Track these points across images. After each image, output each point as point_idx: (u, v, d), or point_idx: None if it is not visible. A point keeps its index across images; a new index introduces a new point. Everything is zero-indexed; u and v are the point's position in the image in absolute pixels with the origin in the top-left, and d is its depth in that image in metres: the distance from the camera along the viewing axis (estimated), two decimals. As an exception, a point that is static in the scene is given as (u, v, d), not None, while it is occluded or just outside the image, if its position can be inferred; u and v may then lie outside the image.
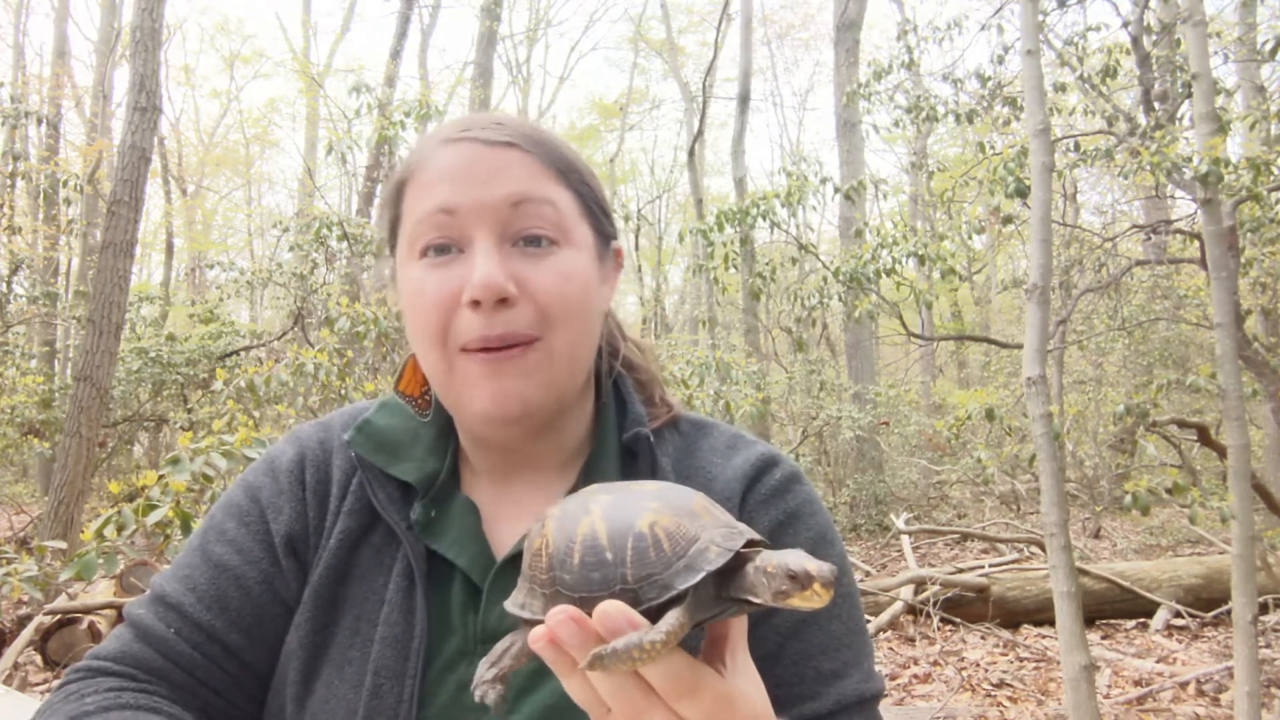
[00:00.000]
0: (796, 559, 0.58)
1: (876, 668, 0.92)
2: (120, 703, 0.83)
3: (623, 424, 0.97)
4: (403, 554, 0.90)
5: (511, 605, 0.67)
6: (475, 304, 0.83)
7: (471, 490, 0.96)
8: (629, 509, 0.63)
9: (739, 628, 0.65)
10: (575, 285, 0.87)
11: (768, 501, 0.94)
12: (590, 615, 0.57)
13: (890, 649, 5.49)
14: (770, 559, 0.59)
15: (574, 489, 0.92)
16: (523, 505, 0.94)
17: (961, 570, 6.24)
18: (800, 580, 0.57)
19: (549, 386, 0.87)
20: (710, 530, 0.62)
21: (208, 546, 0.93)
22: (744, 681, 0.62)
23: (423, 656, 0.85)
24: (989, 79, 5.82)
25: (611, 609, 0.57)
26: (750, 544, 0.63)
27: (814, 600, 0.57)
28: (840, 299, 6.04)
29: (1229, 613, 4.32)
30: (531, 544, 0.67)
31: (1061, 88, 5.91)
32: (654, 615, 0.59)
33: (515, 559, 0.87)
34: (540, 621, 0.61)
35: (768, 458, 0.97)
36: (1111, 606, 5.86)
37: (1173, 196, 6.91)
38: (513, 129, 0.89)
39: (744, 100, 12.79)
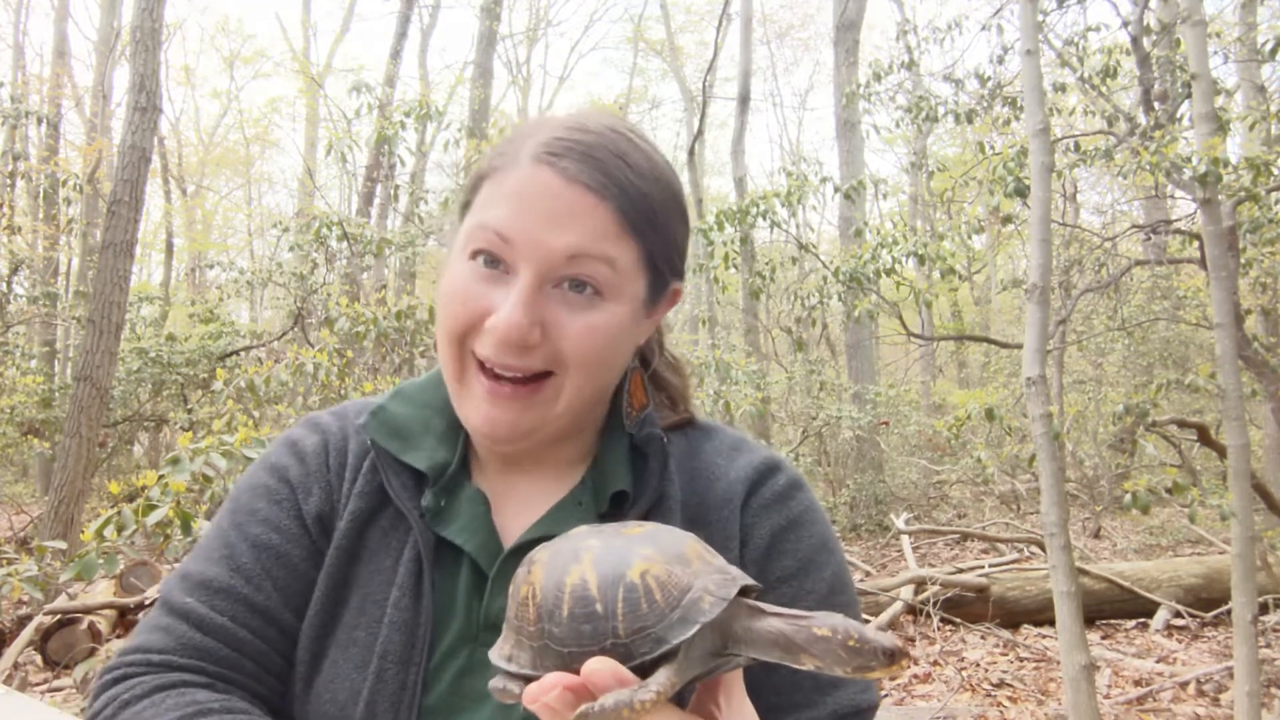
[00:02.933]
0: (876, 634, 0.56)
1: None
2: (235, 705, 0.83)
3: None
4: (412, 539, 0.90)
5: (498, 658, 0.65)
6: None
7: (481, 481, 0.97)
8: (620, 556, 0.60)
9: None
10: (604, 341, 0.86)
11: (770, 507, 0.94)
12: (580, 671, 0.56)
13: (890, 649, 5.49)
14: (847, 631, 0.56)
15: (582, 484, 0.94)
16: (531, 496, 0.95)
17: (961, 570, 6.24)
18: (895, 656, 0.55)
19: (545, 419, 0.88)
20: (703, 577, 0.60)
21: (244, 528, 0.92)
22: None
23: (429, 643, 0.86)
24: (989, 79, 5.82)
25: (601, 669, 0.56)
26: (745, 590, 0.61)
27: (895, 672, 0.56)
28: (840, 299, 6.03)
29: (1229, 613, 4.32)
30: (518, 591, 0.64)
31: (1061, 88, 5.91)
32: (648, 669, 0.57)
33: (522, 548, 0.88)
34: (528, 676, 0.60)
35: (771, 463, 0.98)
36: (1111, 606, 5.86)
37: (1172, 196, 6.92)
38: (603, 167, 0.85)
39: (744, 100, 12.79)
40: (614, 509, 0.92)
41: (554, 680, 0.56)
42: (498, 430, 0.87)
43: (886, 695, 4.74)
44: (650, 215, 0.87)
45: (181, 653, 0.86)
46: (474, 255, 0.86)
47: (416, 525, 0.90)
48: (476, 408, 0.87)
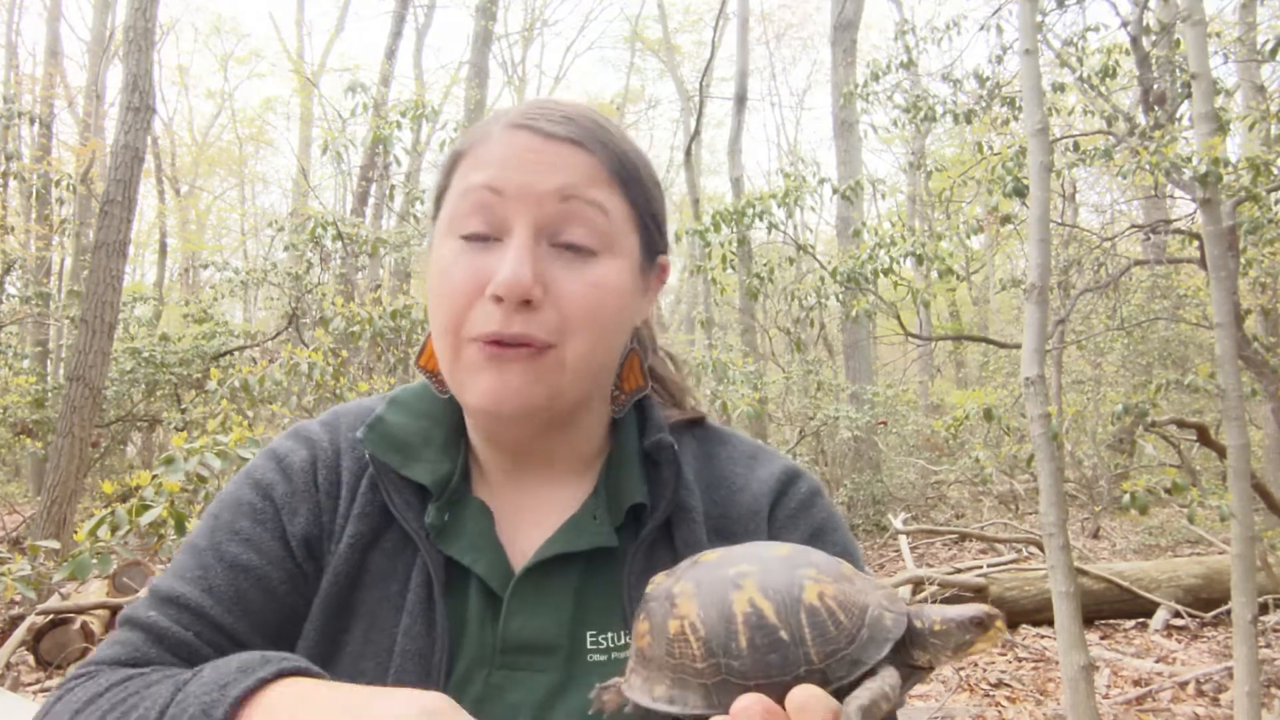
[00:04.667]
0: (956, 610, 0.57)
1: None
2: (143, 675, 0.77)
3: (644, 428, 0.94)
4: (420, 561, 0.85)
5: (651, 700, 0.60)
6: (498, 299, 0.80)
7: (482, 492, 0.92)
8: (786, 579, 0.58)
9: None
10: (605, 297, 0.83)
11: (796, 516, 0.93)
12: (783, 701, 0.54)
13: (888, 650, 5.47)
14: (929, 616, 0.57)
15: (595, 495, 0.90)
16: (537, 508, 0.91)
17: (960, 570, 6.23)
18: (984, 624, 0.56)
19: (552, 391, 0.83)
20: (871, 594, 0.58)
21: (221, 546, 0.87)
22: None
23: (444, 671, 0.81)
24: (987, 79, 5.81)
25: (812, 698, 0.53)
26: None
27: (997, 638, 0.57)
28: (838, 299, 6.02)
29: (1229, 613, 4.31)
30: (663, 627, 0.60)
31: (1060, 88, 5.91)
32: (842, 694, 0.55)
33: (536, 567, 0.85)
34: (697, 716, 0.57)
35: (792, 471, 0.97)
36: (1110, 606, 5.86)
37: (1172, 196, 6.91)
38: (581, 126, 0.84)
39: (741, 100, 12.78)
40: (628, 520, 0.89)
41: (754, 700, 0.54)
42: (505, 402, 0.81)
43: (885, 696, 4.73)
44: (634, 171, 0.87)
45: (136, 664, 0.81)
46: (462, 233, 0.83)
47: (424, 546, 0.85)
48: (479, 381, 0.82)
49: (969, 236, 6.08)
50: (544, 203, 0.81)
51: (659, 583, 0.63)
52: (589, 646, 0.84)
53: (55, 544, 3.05)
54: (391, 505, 0.88)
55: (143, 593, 0.88)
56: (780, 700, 0.55)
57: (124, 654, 0.81)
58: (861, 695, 0.52)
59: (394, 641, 0.83)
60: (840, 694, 0.55)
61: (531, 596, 0.84)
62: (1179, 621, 5.69)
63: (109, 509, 2.50)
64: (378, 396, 0.98)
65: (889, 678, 0.54)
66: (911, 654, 0.58)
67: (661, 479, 0.90)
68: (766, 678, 0.55)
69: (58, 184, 9.53)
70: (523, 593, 0.84)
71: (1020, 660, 5.21)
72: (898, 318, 6.35)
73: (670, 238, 0.99)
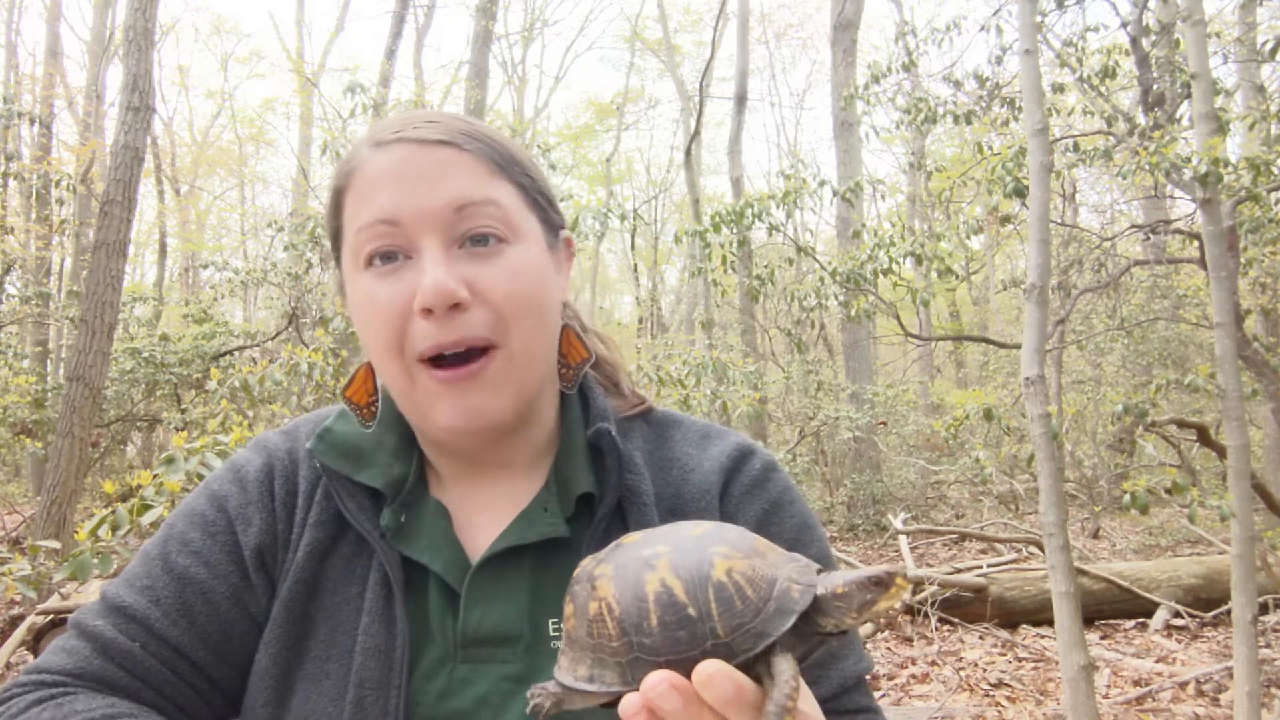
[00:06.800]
0: (857, 572, 0.58)
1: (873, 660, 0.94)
2: (118, 711, 0.79)
3: (588, 418, 0.96)
4: (377, 562, 0.87)
5: (575, 680, 0.63)
6: (428, 312, 0.81)
7: (439, 493, 0.94)
8: (697, 557, 0.60)
9: None
10: (529, 281, 0.85)
11: (751, 492, 0.94)
12: (683, 677, 0.56)
13: (888, 649, 5.48)
14: (832, 582, 0.58)
15: (546, 487, 0.91)
16: (493, 506, 0.92)
17: (959, 570, 6.22)
18: (884, 582, 0.57)
19: (513, 393, 0.85)
20: (781, 567, 0.60)
21: (170, 557, 0.88)
22: (807, 706, 0.62)
23: (406, 666, 0.83)
24: (987, 79, 5.81)
25: (716, 673, 0.55)
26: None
27: (898, 596, 0.57)
28: (838, 299, 6.02)
29: (1229, 613, 4.31)
30: (584, 609, 0.63)
31: (1060, 88, 5.90)
32: (750, 665, 0.57)
33: (490, 560, 0.86)
34: (614, 694, 0.59)
35: (744, 448, 0.97)
36: (1110, 606, 5.85)
37: (1172, 196, 6.91)
38: (447, 126, 0.86)
39: (741, 100, 12.79)
40: (582, 510, 0.90)
41: (661, 677, 0.55)
42: (474, 419, 0.83)
43: (884, 696, 4.73)
44: (511, 157, 0.89)
45: (80, 675, 0.82)
46: (368, 263, 0.84)
47: (379, 547, 0.87)
48: (444, 407, 0.83)
49: (969, 236, 6.09)
50: (442, 216, 0.82)
51: (584, 566, 0.66)
52: (552, 634, 0.85)
53: (55, 544, 3.05)
54: (345, 511, 0.89)
55: (96, 597, 0.89)
56: (689, 674, 0.56)
57: (70, 664, 0.83)
58: (771, 707, 0.54)
59: (355, 641, 0.84)
60: (744, 666, 0.57)
61: (488, 589, 0.86)
62: (1179, 621, 5.69)
63: (109, 509, 2.50)
64: (335, 406, 1.00)
65: (786, 675, 0.56)
66: (818, 622, 0.59)
67: (606, 465, 0.91)
68: (676, 653, 0.58)
69: (58, 184, 9.53)
70: (479, 586, 0.86)
71: (1020, 660, 5.21)
72: (897, 318, 6.35)
73: (564, 214, 1.00)
